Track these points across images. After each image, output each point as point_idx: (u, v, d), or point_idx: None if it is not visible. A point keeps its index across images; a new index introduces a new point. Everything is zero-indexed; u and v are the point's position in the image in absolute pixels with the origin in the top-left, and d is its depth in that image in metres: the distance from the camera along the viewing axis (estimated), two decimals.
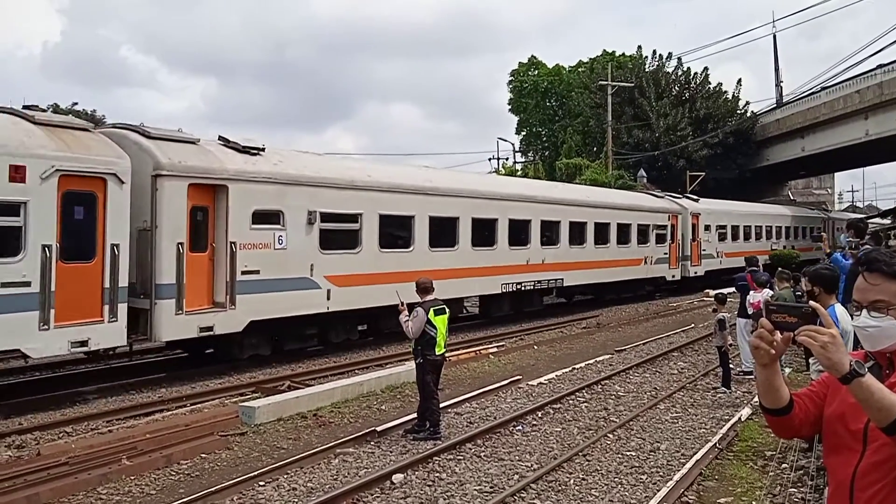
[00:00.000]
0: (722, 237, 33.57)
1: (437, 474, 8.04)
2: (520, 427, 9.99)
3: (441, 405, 10.79)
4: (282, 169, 14.45)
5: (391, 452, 8.85)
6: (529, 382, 12.90)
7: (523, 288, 21.04)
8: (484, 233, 19.80)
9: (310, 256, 14.77)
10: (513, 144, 59.03)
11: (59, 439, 9.34)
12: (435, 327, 9.44)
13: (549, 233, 22.34)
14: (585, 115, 51.12)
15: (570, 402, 11.49)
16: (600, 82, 46.66)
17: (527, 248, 21.19)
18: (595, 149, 49.46)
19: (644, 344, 17.35)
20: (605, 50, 56.11)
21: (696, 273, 31.00)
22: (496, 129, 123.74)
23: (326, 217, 15.12)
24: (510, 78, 60.21)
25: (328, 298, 15.11)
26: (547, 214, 22.10)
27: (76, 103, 47.26)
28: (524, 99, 58.62)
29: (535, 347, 17.24)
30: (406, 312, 9.51)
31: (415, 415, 9.86)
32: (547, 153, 57.92)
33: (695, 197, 33.62)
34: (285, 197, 14.33)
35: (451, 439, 9.22)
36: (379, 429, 9.57)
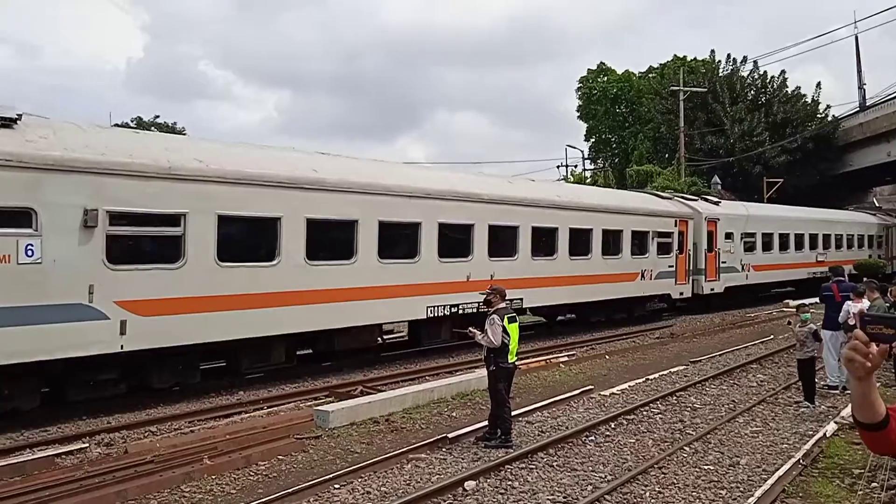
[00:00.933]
0: (749, 247, 28.61)
1: (510, 482, 8.01)
2: (592, 437, 9.86)
3: (512, 414, 10.80)
4: (38, 149, 10.07)
5: (463, 459, 8.87)
6: (601, 392, 12.71)
7: (460, 310, 16.21)
8: (398, 242, 15.53)
9: (87, 274, 10.51)
10: (582, 151, 58.50)
11: (145, 438, 9.72)
12: (508, 335, 9.43)
13: (502, 241, 17.66)
14: (656, 122, 50.23)
15: (644, 413, 11.27)
16: (672, 88, 45.78)
17: (467, 259, 16.68)
18: (667, 155, 48.49)
19: (720, 355, 16.87)
20: (675, 55, 55.04)
21: (712, 290, 26.32)
22: (564, 136, 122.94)
23: (120, 218, 10.93)
24: (579, 85, 59.76)
25: (122, 333, 10.80)
26: (498, 218, 17.40)
27: (157, 116, 49.35)
28: (593, 106, 58.04)
29: (607, 357, 16.99)
30: (478, 334, 9.48)
31: (485, 422, 9.85)
32: (617, 160, 57.14)
33: (715, 199, 29.36)
34: (40, 189, 10.05)
35: (522, 448, 9.18)
36: (450, 435, 9.60)
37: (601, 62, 59.59)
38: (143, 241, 11.67)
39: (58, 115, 11.61)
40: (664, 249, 23.72)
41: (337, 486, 7.79)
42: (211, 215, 11.92)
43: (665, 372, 14.70)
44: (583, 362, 16.23)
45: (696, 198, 28.24)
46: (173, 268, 11.53)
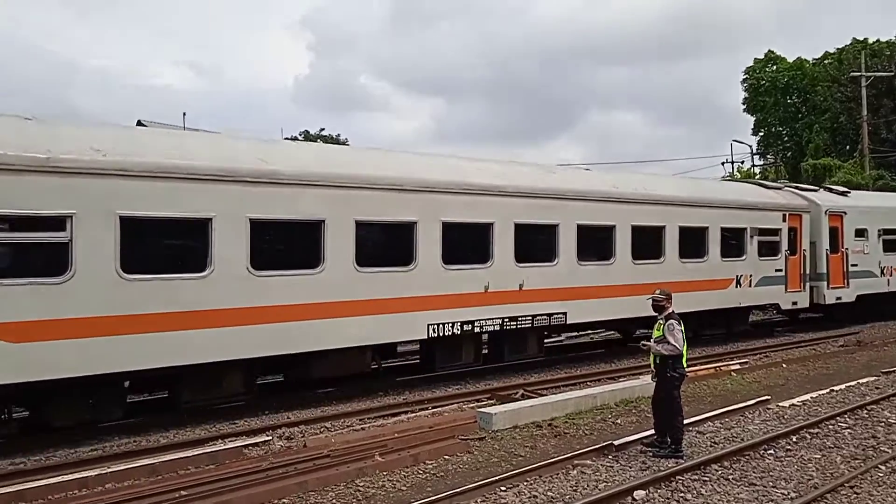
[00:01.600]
0: (890, 246, 23.54)
1: (681, 494, 7.70)
2: (772, 451, 9.26)
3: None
4: None
5: (630, 468, 8.63)
6: (780, 403, 11.91)
7: (477, 328, 13.75)
8: (386, 245, 13.04)
9: None
10: (749, 146, 55.17)
11: (321, 433, 10.28)
12: (685, 339, 9.15)
13: (535, 243, 14.83)
14: (834, 111, 46.36)
15: (830, 427, 10.42)
16: (852, 73, 42.09)
17: (484, 266, 13.84)
18: (847, 147, 44.65)
19: None
20: (854, 38, 50.46)
21: (838, 298, 21.61)
22: (729, 131, 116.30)
23: None
24: (745, 76, 56.35)
25: None
26: (530, 215, 14.55)
27: (323, 129, 52.17)
28: (761, 97, 54.49)
29: (784, 366, 15.88)
30: (654, 345, 9.19)
31: (651, 430, 9.54)
32: (789, 154, 53.35)
33: (843, 189, 24.23)
34: None
35: (694, 459, 8.80)
36: (616, 443, 9.37)
37: (769, 50, 55.88)
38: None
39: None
40: (769, 250, 19.67)
41: (503, 488, 7.84)
42: (112, 216, 9.71)
43: (852, 383, 13.51)
44: (757, 371, 15.27)
45: (815, 188, 23.55)
46: (58, 282, 9.32)
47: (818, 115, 49.14)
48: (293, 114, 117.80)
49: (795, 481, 8.09)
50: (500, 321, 14.00)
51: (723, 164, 54.41)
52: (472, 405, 12.01)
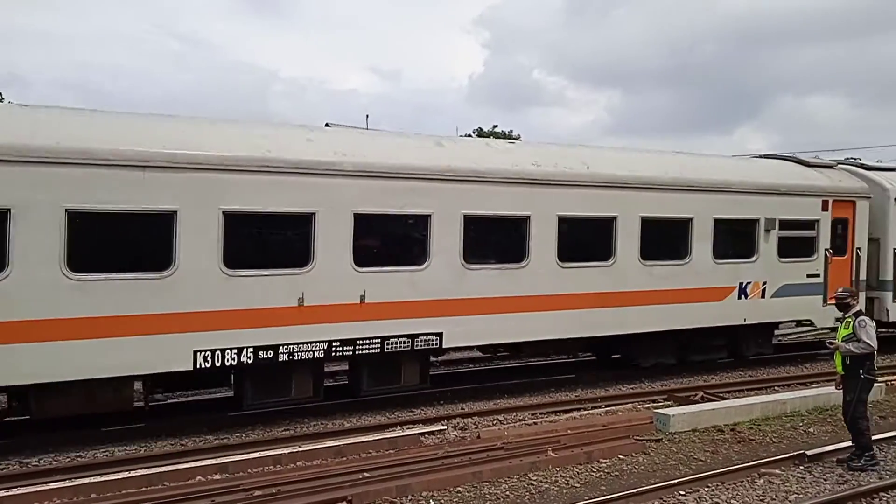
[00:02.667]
0: None
1: None
2: None
3: (884, 436, 9.53)
4: None
5: (825, 480, 8.02)
6: None
7: (290, 355, 10.09)
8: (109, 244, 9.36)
9: None
10: None
11: (494, 426, 10.45)
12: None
13: (386, 238, 11.15)
14: None
15: None
16: None
17: (302, 271, 10.16)
18: None
19: None
20: None
21: None
22: None
23: None
24: None
25: None
26: (380, 202, 10.68)
27: (496, 125, 52.77)
28: None
29: None
30: (844, 344, 8.49)
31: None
32: None
33: None
34: None
35: None
36: (809, 452, 8.73)
37: None
38: None
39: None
40: (798, 248, 14.93)
41: (682, 492, 7.57)
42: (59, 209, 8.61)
43: None
44: None
45: (885, 167, 17.78)
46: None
47: None
48: (469, 112, 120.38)
49: None
50: (326, 345, 10.26)
51: None
52: (647, 405, 11.67)
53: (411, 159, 11.04)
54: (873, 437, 8.85)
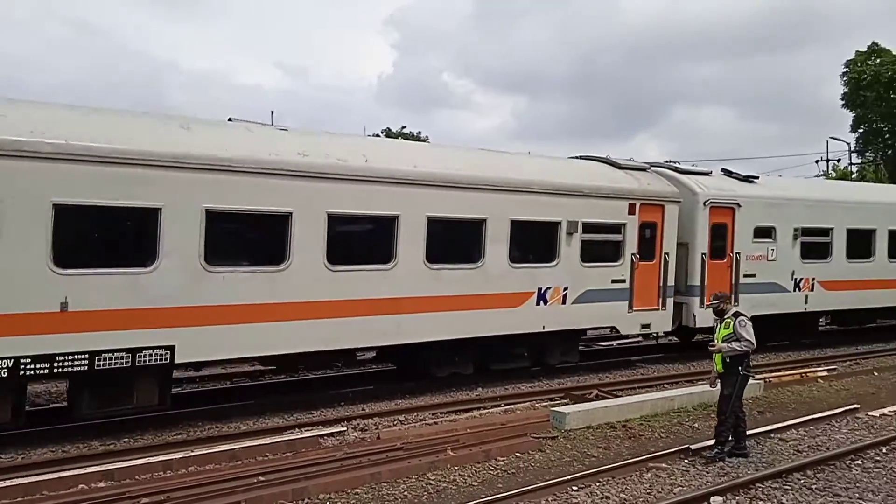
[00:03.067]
0: (815, 251, 17.59)
1: (761, 502, 7.51)
2: (859, 461, 8.86)
3: (762, 429, 10.11)
4: None
5: (708, 473, 8.43)
6: (869, 413, 11.38)
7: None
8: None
9: None
10: (848, 144, 52.54)
11: (394, 426, 10.45)
12: None
13: (104, 232, 9.56)
14: None
15: None
16: None
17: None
18: None
19: None
20: None
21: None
22: (825, 128, 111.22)
23: None
24: (845, 69, 53.66)
25: None
26: (104, 192, 9.13)
27: (405, 126, 52.74)
28: (862, 92, 51.80)
29: (876, 374, 15.14)
30: (726, 345, 8.94)
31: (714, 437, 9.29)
32: (890, 152, 50.56)
33: (748, 174, 17.65)
34: None
35: (776, 466, 8.51)
36: (694, 446, 9.17)
37: (873, 42, 52.98)
38: None
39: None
40: (604, 253, 14.20)
41: (575, 487, 7.79)
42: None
43: None
44: (845, 378, 14.64)
45: (705, 171, 17.32)
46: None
47: None
48: (377, 112, 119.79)
49: (884, 494, 7.74)
50: (11, 363, 8.46)
51: (817, 162, 52.03)
52: (545, 404, 11.95)
53: (137, 143, 9.35)
54: (750, 432, 9.41)
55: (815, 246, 17.61)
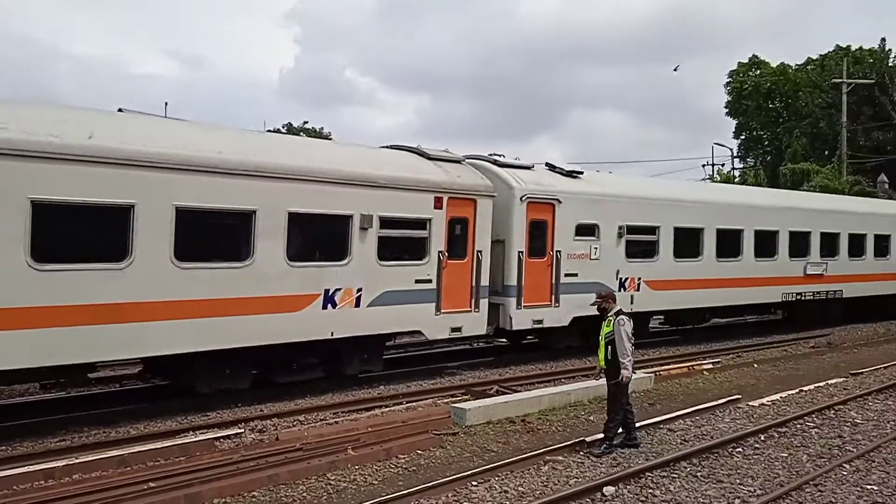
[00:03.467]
0: (639, 250, 17.15)
1: (650, 490, 7.79)
2: (740, 449, 9.38)
3: (652, 420, 10.54)
4: None
5: (601, 464, 8.71)
6: (749, 403, 12.06)
7: None
8: None
9: None
10: (731, 150, 55.66)
11: (294, 427, 10.26)
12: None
13: None
14: (815, 117, 46.93)
15: (798, 426, 10.58)
16: (833, 80, 42.63)
17: None
18: (826, 152, 45.19)
19: (885, 368, 15.53)
20: (838, 45, 51.09)
21: (538, 322, 15.31)
22: (711, 134, 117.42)
23: None
24: (728, 79, 56.85)
25: None
26: None
27: (307, 122, 51.96)
28: (744, 101, 55.00)
29: (756, 366, 16.09)
30: (625, 373, 9.17)
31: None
32: (769, 158, 53.93)
33: (571, 169, 16.80)
34: None
35: (664, 456, 8.89)
36: (588, 439, 9.45)
37: (753, 55, 56.38)
38: None
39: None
40: (406, 251, 13.10)
41: (474, 483, 7.88)
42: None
43: (821, 384, 13.71)
44: (728, 370, 15.46)
45: (527, 164, 16.25)
46: None
47: (799, 119, 49.69)
48: (278, 107, 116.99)
49: (762, 479, 8.21)
50: None
51: (703, 166, 54.81)
52: (446, 400, 12.04)
53: None
54: (640, 423, 9.81)
55: (641, 244, 17.17)
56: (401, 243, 13.02)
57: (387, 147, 15.00)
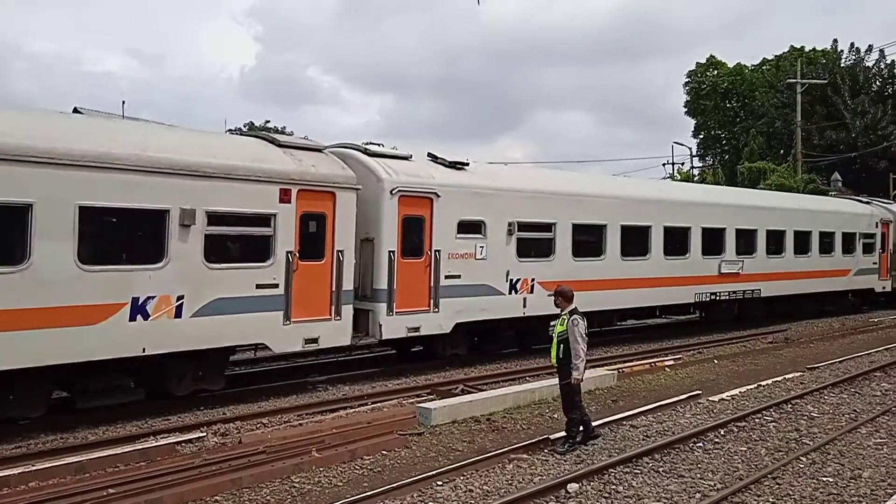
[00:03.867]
0: (533, 249, 15.80)
1: (614, 486, 7.88)
2: (701, 444, 9.54)
3: (615, 417, 10.66)
4: None
5: (565, 461, 8.78)
6: (710, 398, 12.26)
7: None
8: None
9: None
10: (690, 149, 56.61)
11: (257, 430, 10.15)
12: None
13: None
14: (770, 116, 47.94)
15: (757, 420, 10.79)
16: (788, 80, 43.60)
17: None
18: (782, 151, 46.21)
19: (840, 362, 15.92)
20: (792, 46, 52.37)
21: (414, 329, 13.76)
22: (671, 133, 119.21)
23: None
24: (687, 79, 57.85)
25: None
26: None
27: (268, 121, 51.52)
28: (702, 101, 56.03)
29: (716, 361, 16.38)
30: (575, 374, 9.21)
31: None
32: (727, 156, 55.01)
33: (457, 160, 15.21)
34: None
35: (627, 452, 9.00)
36: (552, 437, 9.52)
37: (711, 55, 57.45)
38: None
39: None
40: (245, 251, 11.63)
41: (439, 482, 7.88)
42: None
43: (779, 378, 14.00)
44: (690, 366, 15.72)
45: (406, 154, 14.68)
46: None
47: (755, 119, 50.76)
48: (239, 106, 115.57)
49: (722, 473, 8.36)
50: None
51: (664, 165, 55.67)
52: (412, 401, 12.03)
53: None
54: (604, 420, 9.92)
55: (534, 243, 15.81)
56: (237, 243, 11.53)
57: (237, 133, 13.20)
